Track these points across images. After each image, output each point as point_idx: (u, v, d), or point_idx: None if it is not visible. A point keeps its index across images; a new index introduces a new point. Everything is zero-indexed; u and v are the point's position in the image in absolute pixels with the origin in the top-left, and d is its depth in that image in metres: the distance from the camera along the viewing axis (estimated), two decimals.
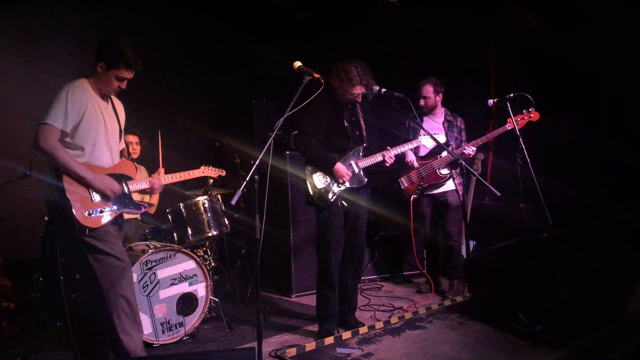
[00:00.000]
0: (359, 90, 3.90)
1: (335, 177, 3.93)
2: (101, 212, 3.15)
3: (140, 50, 5.53)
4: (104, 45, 3.20)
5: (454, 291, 4.88)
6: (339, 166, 3.92)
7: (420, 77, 4.99)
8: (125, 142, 4.77)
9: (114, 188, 3.18)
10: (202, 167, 3.91)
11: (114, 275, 3.13)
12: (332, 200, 3.94)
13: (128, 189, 3.33)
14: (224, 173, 4.10)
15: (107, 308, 3.10)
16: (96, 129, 3.19)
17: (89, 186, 3.10)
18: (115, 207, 3.22)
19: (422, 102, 4.90)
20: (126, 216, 4.77)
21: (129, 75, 3.24)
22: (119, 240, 3.28)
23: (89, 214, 3.08)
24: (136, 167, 4.99)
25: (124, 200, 3.29)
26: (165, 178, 3.53)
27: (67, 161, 3.03)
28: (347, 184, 3.97)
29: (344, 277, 4.11)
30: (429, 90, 4.88)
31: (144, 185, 3.43)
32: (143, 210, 3.46)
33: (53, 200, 3.09)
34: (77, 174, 3.06)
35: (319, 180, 3.97)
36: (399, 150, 4.19)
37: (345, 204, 3.99)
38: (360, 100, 4.00)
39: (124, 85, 3.28)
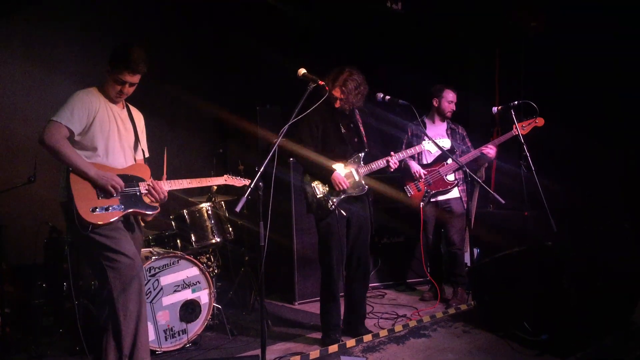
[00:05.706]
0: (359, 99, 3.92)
1: (332, 186, 3.90)
2: (107, 209, 3.16)
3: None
4: (113, 50, 3.26)
5: (457, 299, 4.86)
6: (336, 175, 3.89)
7: (425, 84, 4.97)
8: None
9: (114, 184, 3.18)
10: (225, 176, 3.78)
11: (126, 277, 3.14)
12: (331, 209, 3.92)
13: (139, 189, 3.32)
14: (248, 182, 3.81)
15: (116, 310, 3.12)
16: (108, 131, 3.27)
17: (91, 181, 3.13)
18: (122, 206, 3.22)
19: (451, 107, 4.90)
20: None
21: (130, 78, 3.24)
22: (129, 239, 3.27)
23: (93, 210, 3.11)
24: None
25: (132, 199, 3.27)
26: (182, 183, 3.47)
27: (70, 156, 3.08)
28: (347, 192, 3.94)
29: (352, 287, 4.09)
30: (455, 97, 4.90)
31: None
32: (155, 212, 3.40)
33: (63, 200, 3.15)
34: (80, 169, 3.11)
35: (318, 189, 3.95)
36: (402, 155, 4.18)
37: (345, 213, 3.95)
38: (349, 108, 3.97)
39: (126, 89, 3.29)
